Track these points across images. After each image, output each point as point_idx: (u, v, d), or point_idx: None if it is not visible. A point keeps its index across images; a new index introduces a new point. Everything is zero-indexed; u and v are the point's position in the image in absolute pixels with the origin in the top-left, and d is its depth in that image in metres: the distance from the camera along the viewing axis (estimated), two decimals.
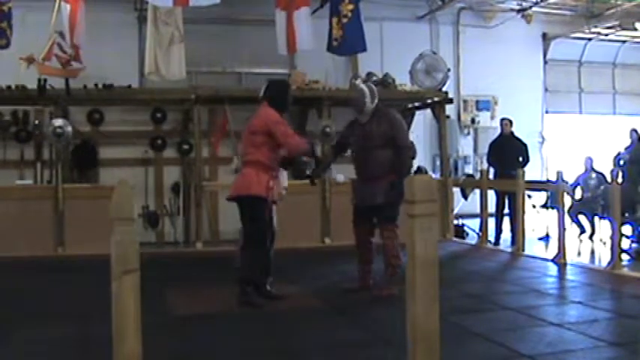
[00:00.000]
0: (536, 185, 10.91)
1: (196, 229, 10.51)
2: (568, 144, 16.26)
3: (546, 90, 16.18)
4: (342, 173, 10.97)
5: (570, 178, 11.44)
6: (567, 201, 10.59)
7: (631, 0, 13.99)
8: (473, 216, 11.65)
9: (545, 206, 12.11)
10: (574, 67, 16.68)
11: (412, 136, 11.53)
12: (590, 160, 12.18)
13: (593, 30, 15.71)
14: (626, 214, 9.91)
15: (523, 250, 9.63)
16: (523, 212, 9.74)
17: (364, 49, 11.08)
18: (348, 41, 10.80)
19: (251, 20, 12.59)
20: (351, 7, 10.68)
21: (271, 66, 11.85)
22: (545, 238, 11.61)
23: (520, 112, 13.59)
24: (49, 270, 8.54)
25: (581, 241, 11.58)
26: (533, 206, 11.87)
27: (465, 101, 15.06)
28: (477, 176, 12.39)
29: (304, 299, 6.67)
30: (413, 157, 7.00)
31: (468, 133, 14.98)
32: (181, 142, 11.63)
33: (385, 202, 6.57)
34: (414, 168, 9.67)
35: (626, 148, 12.44)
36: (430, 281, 3.22)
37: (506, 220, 11.05)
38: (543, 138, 15.80)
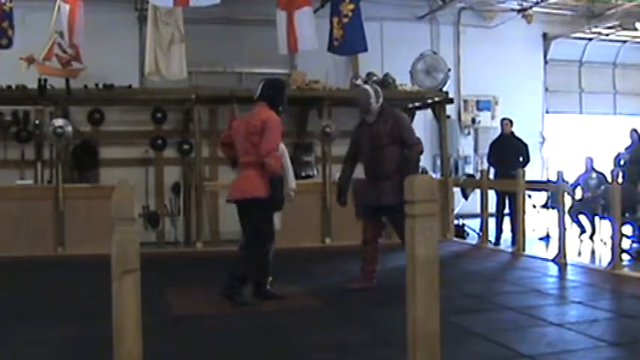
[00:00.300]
0: (537, 185, 10.91)
1: (197, 229, 10.52)
2: (568, 144, 16.26)
3: (547, 90, 16.18)
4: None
5: (571, 178, 11.44)
6: (568, 201, 10.59)
7: (631, 0, 13.99)
8: (473, 216, 11.65)
9: (545, 206, 12.11)
10: (574, 67, 16.68)
11: None
12: (590, 160, 12.18)
13: (594, 30, 15.71)
14: (627, 214, 9.90)
15: (523, 250, 9.63)
16: (523, 212, 9.74)
17: (365, 49, 11.07)
18: (348, 41, 10.79)
19: (251, 20, 12.59)
20: (351, 6, 10.68)
21: (272, 66, 11.86)
22: (546, 238, 11.61)
23: (520, 112, 13.58)
24: (49, 270, 8.54)
25: (581, 241, 11.58)
26: (534, 206, 11.86)
27: (465, 101, 15.06)
28: (478, 176, 12.39)
29: (304, 299, 6.67)
30: (421, 153, 7.01)
31: (469, 133, 14.98)
32: (182, 142, 11.64)
33: (399, 202, 6.58)
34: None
35: (626, 148, 12.44)
36: (430, 281, 3.22)
37: (506, 220, 11.05)
38: (544, 138, 15.80)
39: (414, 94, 11.56)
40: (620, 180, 10.01)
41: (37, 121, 11.14)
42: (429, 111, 12.18)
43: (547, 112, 16.20)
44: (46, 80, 9.94)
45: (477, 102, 15.13)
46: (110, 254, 3.25)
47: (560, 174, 9.09)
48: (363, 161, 7.10)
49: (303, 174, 11.43)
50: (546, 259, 8.95)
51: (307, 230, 10.46)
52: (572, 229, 11.24)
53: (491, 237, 10.87)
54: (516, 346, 4.68)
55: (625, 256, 8.89)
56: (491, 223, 10.89)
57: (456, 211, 11.90)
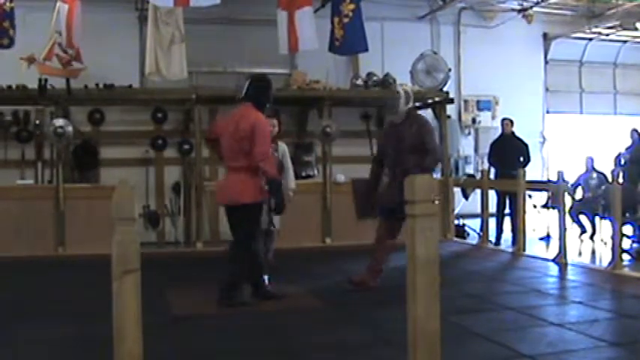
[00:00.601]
0: (537, 185, 10.91)
1: (197, 229, 10.52)
2: (569, 144, 16.25)
3: (547, 90, 16.16)
4: (342, 174, 10.99)
5: (571, 178, 11.43)
6: (568, 201, 10.58)
7: (632, 0, 13.98)
8: (474, 216, 11.65)
9: (545, 206, 12.11)
10: (575, 67, 16.67)
11: None
12: (591, 160, 12.17)
13: (594, 30, 15.70)
14: (627, 214, 9.90)
15: (524, 250, 9.63)
16: (524, 212, 9.74)
17: (365, 49, 11.08)
18: (349, 41, 10.79)
19: (252, 20, 12.59)
20: (352, 6, 10.68)
21: (272, 66, 11.84)
22: (546, 238, 11.61)
23: (521, 112, 13.58)
24: (49, 270, 8.54)
25: (581, 241, 11.58)
26: (534, 206, 11.86)
27: (465, 101, 15.05)
28: (478, 176, 12.39)
29: (305, 299, 6.67)
30: (439, 161, 7.09)
31: (469, 133, 14.97)
32: (182, 142, 11.64)
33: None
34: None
35: (627, 148, 12.44)
36: (431, 281, 3.22)
37: (507, 220, 11.05)
38: (544, 138, 15.79)
39: (415, 94, 11.50)
40: (620, 180, 10.03)
41: (37, 121, 11.14)
42: (430, 111, 12.15)
43: (547, 112, 16.19)
44: (46, 80, 9.94)
45: (478, 102, 15.12)
46: (110, 254, 3.25)
47: (560, 174, 9.09)
48: (387, 163, 7.13)
49: (304, 174, 11.44)
50: (547, 259, 8.95)
51: (308, 230, 10.46)
52: (572, 229, 11.23)
53: (492, 237, 10.87)
54: (517, 346, 4.68)
55: (625, 256, 8.89)
56: (492, 223, 10.89)
57: (456, 211, 11.90)
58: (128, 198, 3.32)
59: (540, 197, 11.86)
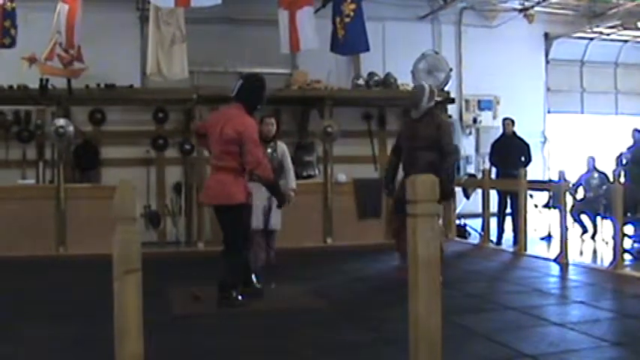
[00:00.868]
0: (538, 185, 10.90)
1: (198, 228, 10.52)
2: (570, 144, 16.24)
3: (548, 90, 16.15)
4: (344, 174, 10.99)
5: (572, 177, 11.42)
6: (569, 201, 10.57)
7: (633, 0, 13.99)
8: (475, 216, 11.65)
9: (547, 206, 12.10)
10: (576, 67, 16.66)
11: None
12: (592, 159, 12.16)
13: (595, 29, 15.68)
14: (629, 214, 9.89)
15: (525, 249, 9.63)
16: (525, 212, 9.74)
17: (367, 49, 11.08)
18: (350, 41, 10.79)
19: (253, 20, 12.58)
20: (353, 6, 10.68)
21: (273, 66, 11.84)
22: (547, 238, 11.60)
23: (522, 111, 13.56)
24: (50, 270, 8.54)
25: (583, 240, 11.57)
26: (535, 206, 11.85)
27: (466, 101, 15.03)
28: (479, 176, 12.38)
29: (305, 299, 6.67)
30: (457, 160, 7.20)
31: (470, 133, 14.95)
32: (183, 141, 11.61)
33: None
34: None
35: (628, 148, 12.42)
36: (432, 281, 3.22)
37: (508, 220, 11.05)
38: (545, 138, 15.78)
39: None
40: (622, 180, 10.02)
41: (38, 121, 11.13)
42: None
43: (549, 111, 16.17)
44: (47, 80, 9.94)
45: (479, 102, 15.10)
46: (112, 254, 3.25)
47: (561, 174, 9.09)
48: (402, 158, 7.33)
49: (305, 174, 11.43)
50: (548, 259, 8.95)
51: (309, 230, 10.45)
52: (573, 229, 11.23)
53: (493, 237, 10.86)
54: (518, 345, 4.68)
55: (627, 256, 8.89)
56: (493, 222, 10.89)
57: (457, 211, 11.90)
58: (129, 198, 3.32)
59: (541, 197, 11.85)
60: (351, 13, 10.65)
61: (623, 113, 16.88)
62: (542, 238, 11.64)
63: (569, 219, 10.43)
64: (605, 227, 11.18)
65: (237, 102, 6.16)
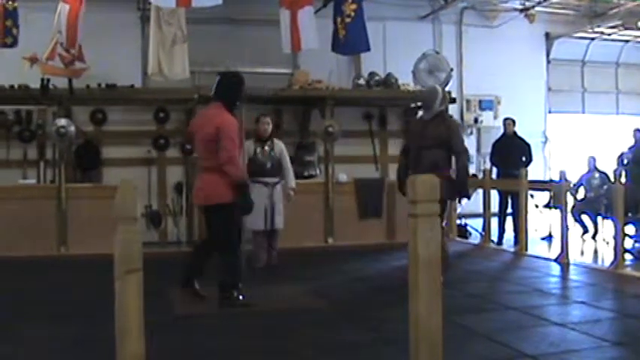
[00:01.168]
0: (539, 185, 10.90)
1: (199, 228, 10.51)
2: (571, 144, 16.24)
3: (549, 89, 16.16)
4: (345, 173, 10.99)
5: (573, 177, 11.42)
6: (570, 201, 10.57)
7: None
8: (476, 216, 11.64)
9: (548, 206, 12.10)
10: (577, 67, 16.66)
11: None
12: (593, 159, 12.15)
13: (596, 29, 15.69)
14: (629, 214, 9.89)
15: (526, 249, 9.63)
16: (526, 212, 9.74)
17: (367, 49, 11.08)
18: (351, 41, 10.80)
19: (254, 20, 12.58)
20: (353, 6, 10.69)
21: (274, 65, 11.85)
22: (548, 238, 11.59)
23: (523, 111, 13.55)
24: (51, 269, 8.54)
25: (584, 240, 11.56)
26: (536, 206, 11.84)
27: (467, 101, 15.04)
28: (480, 176, 12.38)
29: (306, 299, 6.67)
30: (468, 159, 7.49)
31: (471, 133, 14.96)
32: (184, 141, 11.62)
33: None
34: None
35: (629, 148, 12.42)
36: (432, 281, 3.22)
37: (509, 220, 11.04)
38: (546, 138, 15.78)
39: (417, 93, 11.54)
40: (622, 180, 10.01)
41: (39, 121, 11.13)
42: None
43: (550, 111, 16.18)
44: (48, 80, 9.94)
45: (480, 102, 15.11)
46: (113, 254, 3.26)
47: (562, 173, 9.09)
48: (409, 158, 7.42)
49: (306, 174, 11.43)
50: (549, 259, 8.96)
51: (310, 230, 10.45)
52: (574, 229, 11.22)
53: (494, 237, 10.86)
54: (519, 345, 4.68)
55: (628, 256, 8.88)
56: (494, 222, 10.89)
57: (458, 211, 11.89)
58: (130, 198, 3.32)
59: (542, 197, 11.85)
60: (352, 13, 10.66)
61: (624, 113, 16.89)
62: (543, 238, 11.64)
63: (570, 219, 10.43)
64: (606, 227, 11.18)
65: (217, 100, 6.20)
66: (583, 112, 16.77)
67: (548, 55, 16.02)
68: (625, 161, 12.17)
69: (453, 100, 11.84)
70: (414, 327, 3.21)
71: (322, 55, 11.09)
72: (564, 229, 8.79)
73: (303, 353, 4.71)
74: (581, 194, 11.96)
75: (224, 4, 9.70)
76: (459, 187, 7.14)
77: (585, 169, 12.16)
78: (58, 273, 8.29)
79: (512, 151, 11.10)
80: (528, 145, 11.27)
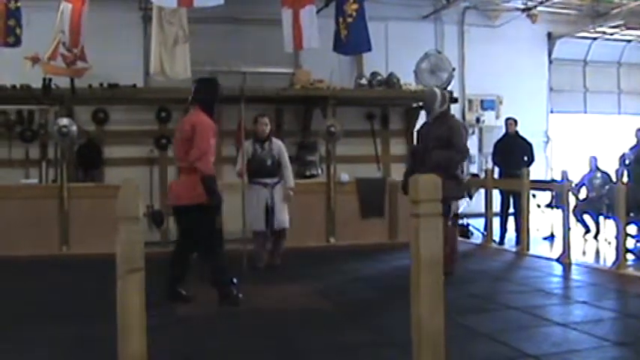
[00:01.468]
0: (541, 185, 10.89)
1: None
2: (573, 143, 16.24)
3: (551, 89, 16.15)
4: (346, 173, 10.99)
5: (575, 177, 11.41)
6: (572, 200, 10.56)
7: None
8: (477, 215, 11.64)
9: (549, 206, 12.09)
10: (579, 67, 16.66)
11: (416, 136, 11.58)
12: (594, 159, 12.15)
13: (598, 29, 15.70)
14: (631, 214, 9.88)
15: (528, 249, 9.62)
16: (528, 212, 9.74)
17: (369, 49, 11.06)
18: (353, 41, 10.78)
19: (255, 20, 12.58)
20: (355, 6, 10.67)
21: (276, 65, 11.85)
22: (550, 238, 11.59)
23: (525, 111, 13.55)
24: (53, 269, 8.55)
25: (586, 240, 11.56)
26: (538, 206, 11.84)
27: (469, 101, 15.04)
28: (482, 176, 12.36)
29: (307, 299, 6.67)
30: (463, 160, 7.71)
31: (473, 133, 14.95)
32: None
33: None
34: None
35: (631, 148, 12.40)
36: (435, 281, 3.22)
37: (510, 220, 11.04)
38: (548, 137, 15.77)
39: (419, 93, 11.53)
40: (624, 179, 10.01)
41: (41, 121, 11.13)
42: None
43: (551, 111, 16.18)
44: (50, 80, 9.94)
45: (482, 101, 15.11)
46: (115, 253, 3.26)
47: (564, 173, 9.08)
48: (417, 161, 7.55)
49: (307, 173, 11.43)
50: (551, 259, 8.94)
51: (311, 230, 10.45)
52: (576, 229, 11.22)
53: (496, 237, 10.86)
54: (521, 345, 4.68)
55: (630, 256, 8.87)
56: (496, 222, 10.89)
57: (460, 211, 11.88)
58: (132, 197, 3.32)
59: (544, 197, 11.85)
60: (354, 13, 10.65)
61: (626, 113, 16.89)
62: (544, 238, 11.63)
63: (572, 219, 10.42)
64: (608, 227, 11.17)
65: (195, 104, 6.31)
66: (585, 112, 16.77)
67: (550, 54, 16.02)
68: (627, 161, 12.15)
69: (455, 100, 11.83)
70: (416, 327, 3.21)
71: (324, 55, 11.08)
72: (566, 228, 8.78)
73: (303, 353, 4.71)
74: (583, 194, 11.96)
75: (226, 4, 9.69)
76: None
77: (587, 169, 12.16)
78: (60, 272, 8.30)
79: (514, 151, 11.09)
80: (530, 145, 11.25)
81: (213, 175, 6.22)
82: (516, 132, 11.36)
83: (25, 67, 9.69)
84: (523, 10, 14.83)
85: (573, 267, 8.35)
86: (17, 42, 9.72)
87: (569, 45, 16.05)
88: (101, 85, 10.53)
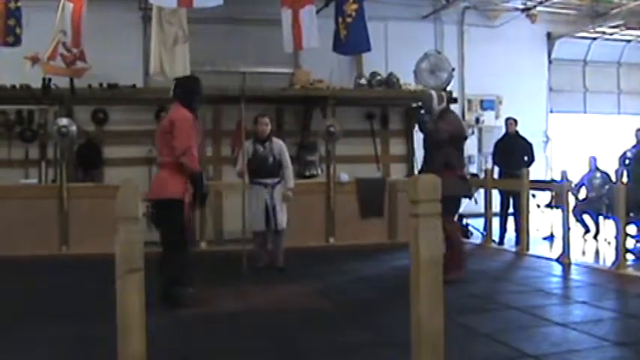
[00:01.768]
0: (541, 185, 10.89)
1: (200, 228, 10.51)
2: (572, 143, 16.24)
3: (551, 89, 16.16)
4: (346, 173, 10.99)
5: (575, 177, 11.41)
6: (572, 200, 10.56)
7: None
8: (477, 215, 11.64)
9: (549, 206, 12.09)
10: (579, 67, 16.67)
11: (416, 136, 11.58)
12: (594, 159, 12.15)
13: (598, 29, 15.71)
14: (631, 214, 9.87)
15: (527, 249, 9.62)
16: (527, 212, 9.73)
17: (368, 49, 11.06)
18: (352, 41, 10.79)
19: (255, 20, 12.59)
20: (354, 6, 10.68)
21: (275, 65, 11.82)
22: (550, 238, 11.58)
23: (524, 111, 13.54)
24: (53, 269, 8.54)
25: (585, 240, 11.55)
26: (538, 206, 11.83)
27: (469, 101, 15.05)
28: (482, 176, 12.35)
29: (307, 299, 6.67)
30: (443, 140, 7.43)
31: (473, 133, 14.94)
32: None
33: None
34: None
35: (632, 147, 12.39)
36: (434, 281, 3.22)
37: (510, 220, 11.03)
38: (548, 137, 15.77)
39: (418, 93, 11.53)
40: (624, 179, 10.00)
41: (41, 121, 11.14)
42: None
43: (551, 111, 16.18)
44: (50, 80, 9.95)
45: (481, 101, 15.12)
46: (114, 253, 3.26)
47: (564, 173, 9.08)
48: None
49: (307, 173, 11.43)
50: (550, 259, 8.95)
51: (311, 229, 10.45)
52: (576, 229, 11.21)
53: (495, 237, 10.85)
54: (520, 345, 4.68)
55: (629, 256, 8.87)
56: (495, 222, 10.88)
57: (459, 211, 11.88)
58: (132, 197, 3.32)
59: (544, 197, 11.84)
60: (353, 13, 10.65)
61: (626, 113, 16.90)
62: (544, 238, 11.63)
63: (572, 219, 10.42)
64: (608, 227, 11.17)
65: (176, 101, 6.43)
66: (584, 112, 16.77)
67: (549, 54, 16.03)
68: (626, 161, 12.15)
69: (455, 100, 11.83)
70: (416, 327, 3.21)
71: (323, 55, 11.08)
72: (566, 228, 8.78)
73: (303, 353, 4.71)
74: (582, 194, 11.95)
75: (225, 4, 9.69)
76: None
77: (587, 169, 12.15)
78: (59, 272, 8.29)
79: (514, 151, 11.09)
80: (530, 145, 11.25)
81: (201, 171, 6.27)
82: (516, 132, 11.35)
83: (24, 67, 9.69)
84: (522, 10, 14.84)
85: (573, 267, 8.35)
86: (17, 42, 9.72)
87: (569, 45, 16.06)
88: (101, 85, 10.53)
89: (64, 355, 4.67)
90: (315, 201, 10.59)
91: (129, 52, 12.01)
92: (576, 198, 11.75)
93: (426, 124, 7.68)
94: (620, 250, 8.05)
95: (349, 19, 10.65)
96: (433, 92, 7.79)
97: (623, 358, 4.48)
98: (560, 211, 9.51)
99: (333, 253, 9.84)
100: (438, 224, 3.27)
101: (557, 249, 9.66)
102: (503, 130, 11.64)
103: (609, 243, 10.69)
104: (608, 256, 9.53)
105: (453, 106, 11.97)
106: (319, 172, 11.59)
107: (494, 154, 11.57)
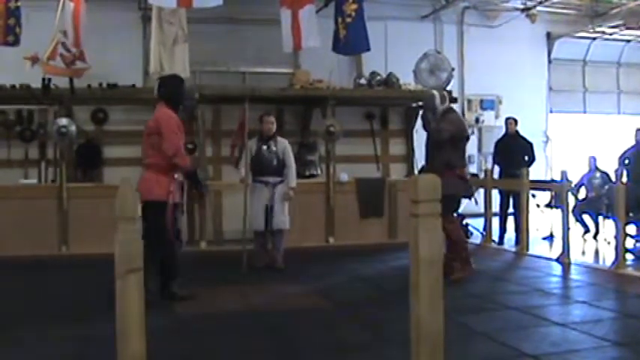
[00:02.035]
0: (541, 185, 10.88)
1: (200, 228, 10.52)
2: (572, 143, 16.24)
3: (551, 89, 16.16)
4: (346, 173, 10.99)
5: (574, 177, 11.41)
6: (571, 200, 10.56)
7: None
8: (477, 215, 11.64)
9: (549, 206, 12.08)
10: (578, 67, 16.67)
11: (415, 136, 11.59)
12: (593, 159, 12.14)
13: (598, 29, 15.71)
14: (631, 214, 9.87)
15: (527, 249, 9.62)
16: (527, 212, 9.73)
17: (368, 49, 11.07)
18: (352, 41, 10.80)
19: (254, 20, 12.59)
20: (354, 6, 10.68)
21: (275, 65, 11.86)
22: (550, 238, 11.58)
23: (524, 111, 13.55)
24: (52, 269, 8.55)
25: (585, 240, 11.55)
26: (538, 206, 11.83)
27: (469, 100, 15.05)
28: (482, 175, 12.35)
29: (307, 299, 6.67)
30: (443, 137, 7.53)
31: (472, 133, 14.93)
32: (185, 141, 11.61)
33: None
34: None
35: (631, 146, 12.39)
36: (434, 281, 3.22)
37: (510, 220, 11.03)
38: (548, 137, 15.77)
39: (418, 93, 11.53)
40: (624, 179, 10.00)
41: (40, 121, 11.14)
42: None
43: (551, 111, 16.19)
44: (49, 79, 9.94)
45: (481, 101, 15.12)
46: (114, 253, 3.26)
47: (564, 173, 9.08)
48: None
49: (307, 173, 11.43)
50: (550, 259, 8.95)
51: (311, 229, 10.45)
52: (575, 229, 11.21)
53: (495, 236, 10.85)
54: (520, 345, 4.68)
55: (629, 256, 8.87)
56: (495, 222, 10.88)
57: (459, 211, 11.87)
58: (131, 197, 3.32)
59: (544, 197, 11.84)
60: (353, 13, 10.66)
61: (626, 113, 16.90)
62: (544, 238, 11.63)
63: (572, 219, 10.42)
64: (607, 227, 11.17)
65: (160, 101, 6.43)
66: (584, 112, 16.78)
67: (549, 54, 16.03)
68: (626, 161, 12.15)
69: (455, 100, 11.82)
70: (415, 327, 3.21)
71: (323, 55, 11.09)
72: (565, 228, 8.78)
73: (303, 353, 4.71)
74: (582, 194, 11.95)
75: (225, 4, 9.70)
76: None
77: (586, 169, 12.15)
78: (59, 272, 8.29)
79: (514, 151, 11.08)
80: (531, 145, 11.24)
81: (194, 169, 6.29)
82: (517, 132, 11.35)
83: (24, 67, 9.69)
84: (522, 10, 14.84)
85: (572, 267, 8.36)
86: (17, 41, 9.72)
87: (569, 45, 16.07)
88: (100, 85, 10.53)
89: (64, 355, 4.67)
90: (315, 201, 10.59)
91: (128, 52, 12.02)
92: (576, 198, 11.75)
93: (429, 123, 7.70)
94: (620, 250, 8.05)
95: (349, 19, 10.66)
96: (436, 92, 7.82)
97: (623, 358, 4.48)
98: (559, 211, 9.52)
99: (333, 253, 9.84)
100: (438, 224, 3.27)
101: (556, 249, 9.66)
102: (503, 130, 11.65)
103: (609, 243, 10.69)
104: (608, 256, 9.53)
105: (452, 106, 12.05)
106: (319, 171, 11.59)
107: (494, 154, 11.56)
